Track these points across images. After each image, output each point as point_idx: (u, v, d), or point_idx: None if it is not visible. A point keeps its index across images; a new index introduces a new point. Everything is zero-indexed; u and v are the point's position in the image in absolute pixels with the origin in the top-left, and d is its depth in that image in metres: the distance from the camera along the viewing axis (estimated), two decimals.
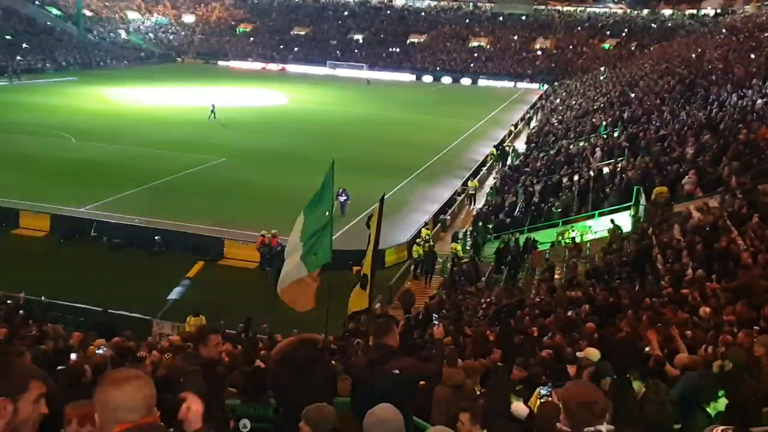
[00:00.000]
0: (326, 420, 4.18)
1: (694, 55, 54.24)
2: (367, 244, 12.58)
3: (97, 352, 12.14)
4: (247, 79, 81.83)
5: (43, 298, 19.48)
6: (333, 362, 7.01)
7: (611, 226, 23.91)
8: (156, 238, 27.08)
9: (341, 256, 19.24)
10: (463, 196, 35.92)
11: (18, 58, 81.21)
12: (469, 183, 37.44)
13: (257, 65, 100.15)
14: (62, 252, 26.49)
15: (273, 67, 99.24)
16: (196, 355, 6.02)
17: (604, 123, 41.34)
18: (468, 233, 29.79)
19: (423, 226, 28.92)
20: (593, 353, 8.57)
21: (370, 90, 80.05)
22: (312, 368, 5.68)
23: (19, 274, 22.22)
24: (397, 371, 5.39)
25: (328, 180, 14.04)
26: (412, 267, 26.55)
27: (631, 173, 27.54)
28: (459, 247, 27.15)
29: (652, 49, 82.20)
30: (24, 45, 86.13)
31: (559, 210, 28.40)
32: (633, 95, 47.38)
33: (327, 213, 13.73)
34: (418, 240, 26.88)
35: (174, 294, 22.13)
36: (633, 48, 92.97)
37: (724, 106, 31.11)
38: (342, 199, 29.31)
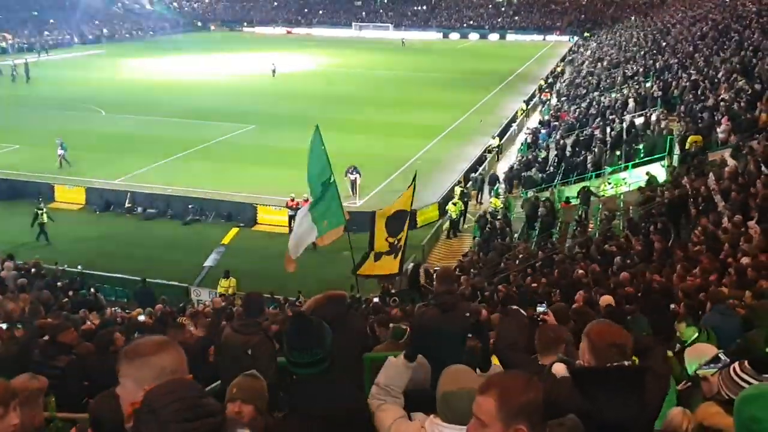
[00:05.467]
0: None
1: (727, 0, 52.72)
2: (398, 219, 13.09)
3: (139, 318, 12.45)
4: (273, 45, 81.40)
5: (79, 267, 19.86)
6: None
7: (646, 177, 23.50)
8: (189, 206, 27.37)
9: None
10: (493, 153, 35.58)
11: (45, 33, 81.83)
12: (492, 140, 36.97)
13: (282, 30, 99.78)
14: (98, 224, 26.93)
15: (298, 31, 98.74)
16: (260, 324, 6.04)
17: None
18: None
19: (456, 184, 28.70)
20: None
21: (399, 50, 79.25)
22: (341, 324, 5.67)
23: (58, 247, 22.70)
24: (468, 314, 5.47)
25: (316, 146, 13.47)
26: (445, 227, 26.37)
27: (664, 123, 27.04)
28: (498, 202, 26.80)
29: None
30: (50, 20, 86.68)
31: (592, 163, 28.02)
32: (665, 44, 46.24)
33: (331, 178, 13.43)
34: (453, 199, 26.64)
35: (210, 261, 22.28)
36: None
37: (759, 51, 30.28)
38: (352, 177, 27.96)
